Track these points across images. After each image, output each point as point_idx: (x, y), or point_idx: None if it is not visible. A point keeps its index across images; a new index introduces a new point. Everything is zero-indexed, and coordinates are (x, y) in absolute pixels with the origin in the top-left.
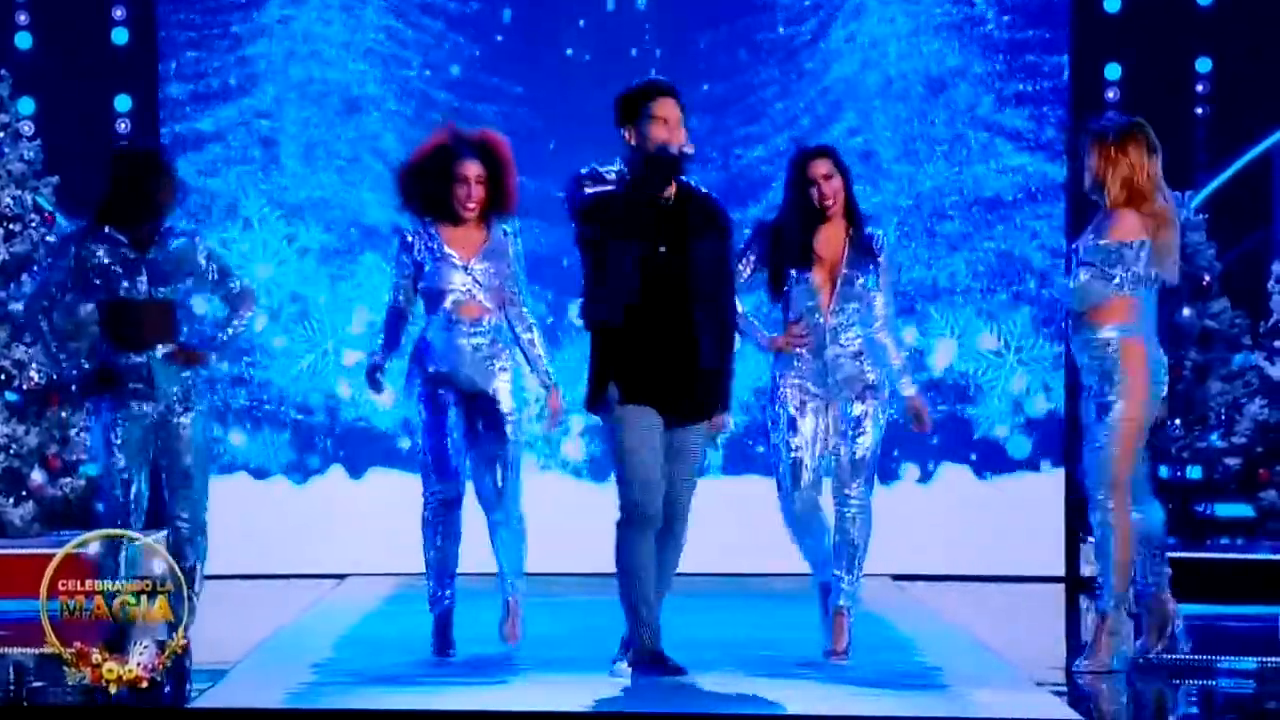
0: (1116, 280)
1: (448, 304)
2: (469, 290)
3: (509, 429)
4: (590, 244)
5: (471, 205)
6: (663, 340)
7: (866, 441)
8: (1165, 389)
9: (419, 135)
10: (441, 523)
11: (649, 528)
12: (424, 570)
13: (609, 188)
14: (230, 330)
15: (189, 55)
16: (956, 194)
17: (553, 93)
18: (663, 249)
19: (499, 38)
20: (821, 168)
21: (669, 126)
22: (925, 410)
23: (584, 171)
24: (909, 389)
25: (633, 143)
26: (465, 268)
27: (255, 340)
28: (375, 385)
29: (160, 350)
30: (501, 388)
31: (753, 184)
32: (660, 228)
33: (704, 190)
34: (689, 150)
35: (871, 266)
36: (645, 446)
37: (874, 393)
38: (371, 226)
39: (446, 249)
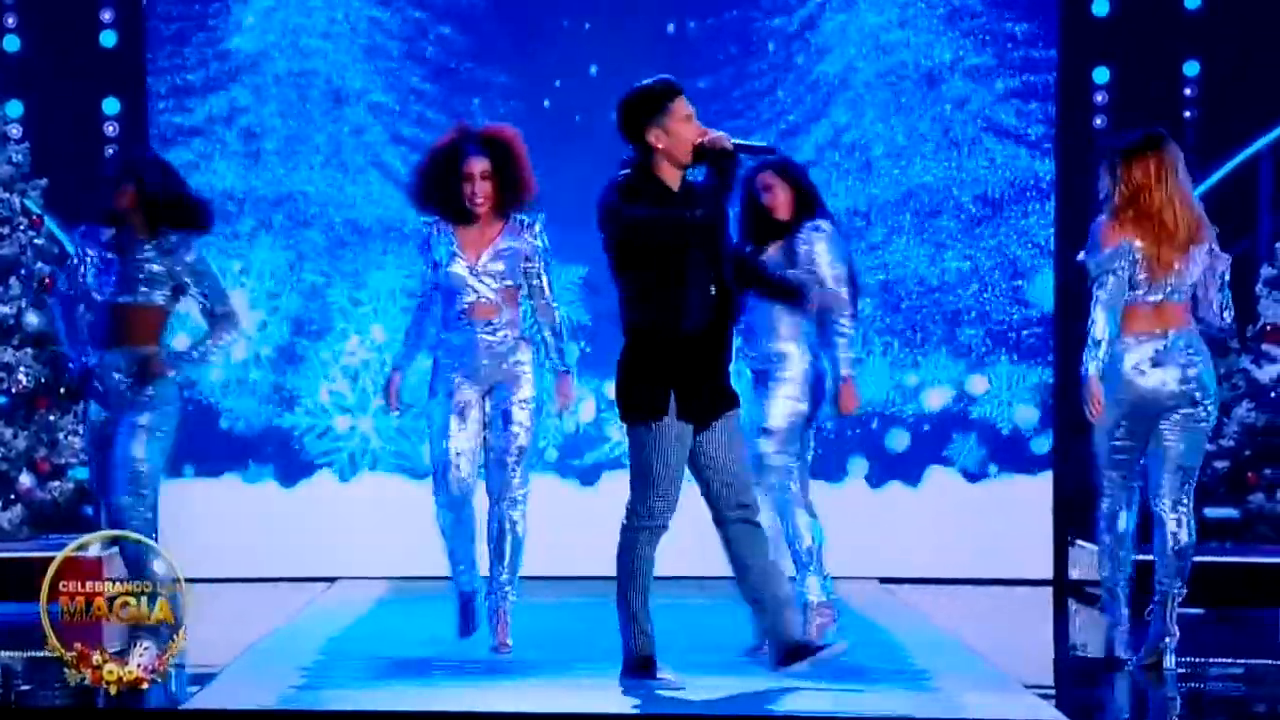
0: (1102, 293)
1: (459, 305)
2: (478, 291)
3: (526, 416)
4: (658, 257)
5: (479, 201)
6: (710, 345)
7: (767, 428)
8: (1149, 398)
9: (402, 126)
10: (454, 517)
11: (659, 536)
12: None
13: (637, 197)
14: (201, 350)
15: (171, 48)
16: (946, 189)
17: (538, 83)
18: (698, 213)
19: (485, 27)
20: (764, 179)
21: (695, 123)
22: (853, 399)
23: (623, 182)
24: (845, 369)
25: (660, 145)
26: (473, 269)
27: (243, 338)
28: (393, 397)
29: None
30: (522, 377)
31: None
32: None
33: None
34: (736, 140)
35: (788, 267)
36: (680, 462)
37: (773, 387)
38: (353, 220)
39: (456, 250)
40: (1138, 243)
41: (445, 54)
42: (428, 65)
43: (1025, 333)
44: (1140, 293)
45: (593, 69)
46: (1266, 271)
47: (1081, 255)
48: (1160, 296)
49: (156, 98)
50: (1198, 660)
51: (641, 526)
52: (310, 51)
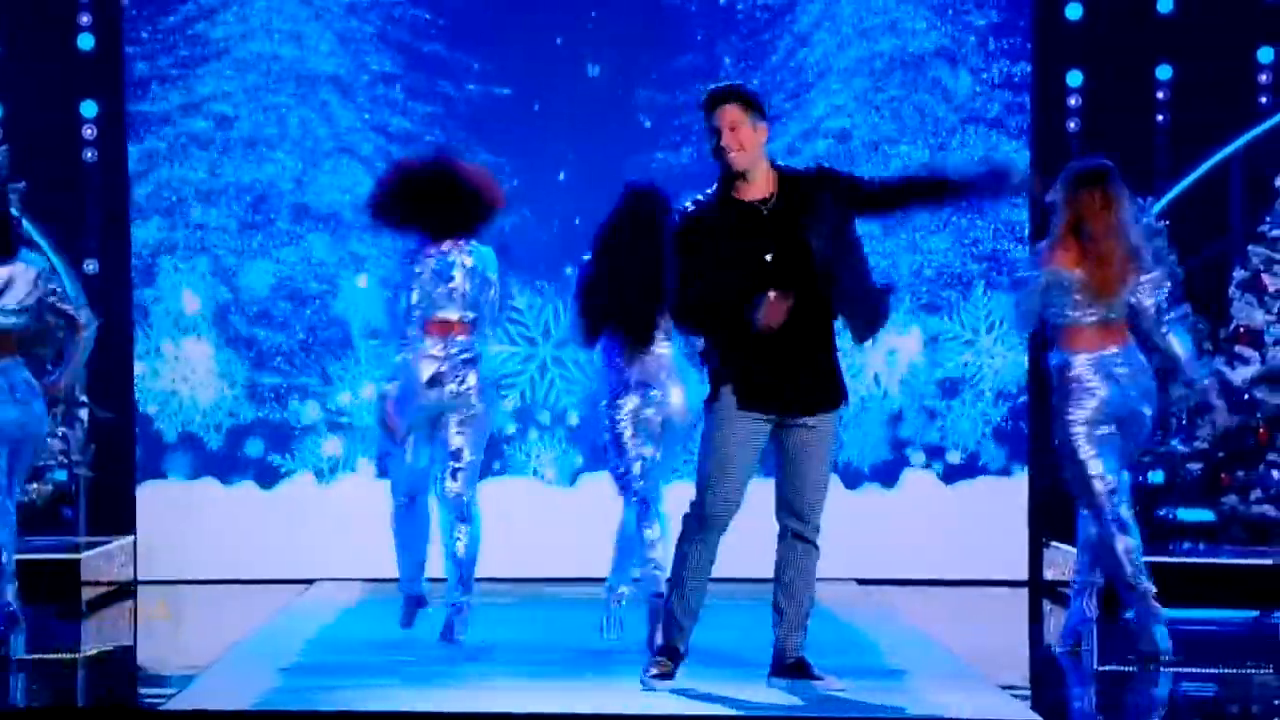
0: (1064, 307)
1: None
2: None
3: (462, 426)
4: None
5: None
6: (783, 341)
7: None
8: (1111, 409)
9: (382, 115)
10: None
11: (708, 531)
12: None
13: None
14: (65, 369)
15: (145, 34)
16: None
17: (516, 66)
18: (768, 256)
19: (462, 9)
20: None
21: (731, 134)
22: None
23: (689, 206)
24: None
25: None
26: None
27: (227, 338)
28: None
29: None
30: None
31: (717, 166)
32: (765, 232)
33: (800, 172)
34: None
35: None
36: (736, 459)
37: None
38: (328, 207)
39: None
40: (1076, 271)
41: (419, 37)
42: (402, 49)
43: (1001, 330)
44: (1079, 314)
45: (571, 49)
46: (1239, 274)
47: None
48: (1098, 316)
49: (135, 86)
50: (1172, 662)
51: (691, 514)
52: (283, 36)
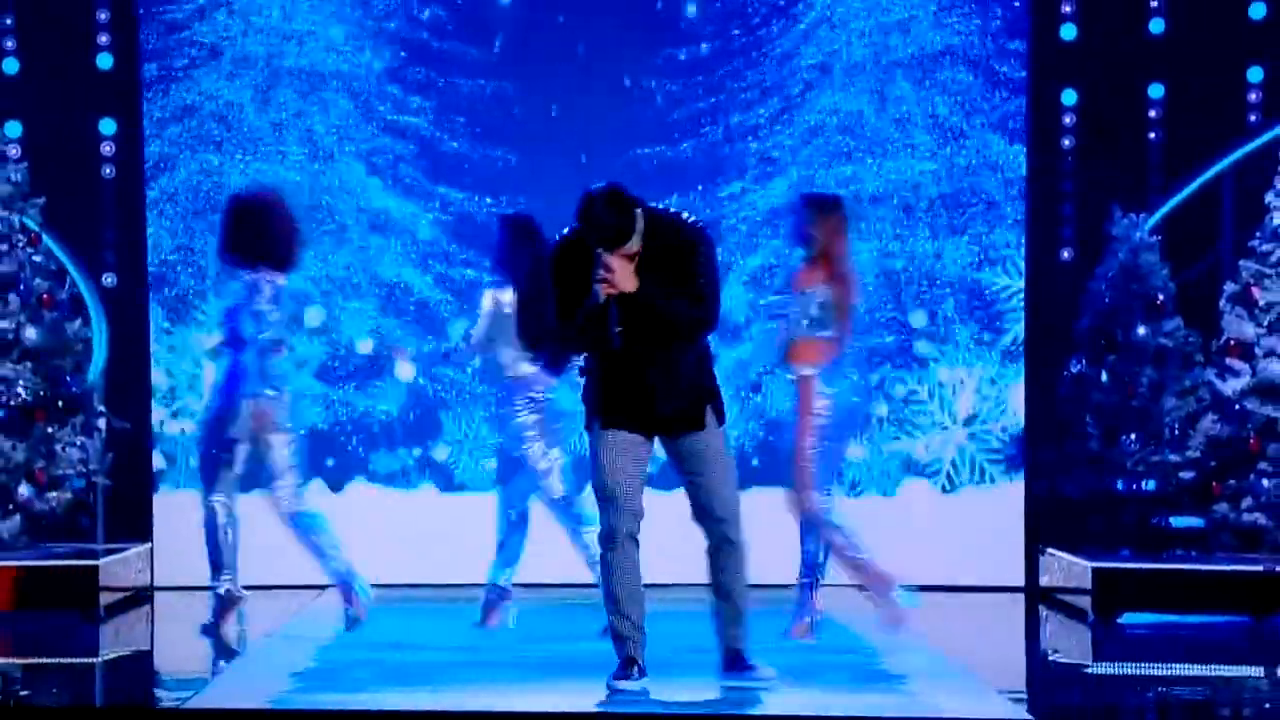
0: (804, 324)
1: None
2: None
3: None
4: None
5: None
6: (634, 367)
7: None
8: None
9: (376, 110)
10: None
11: (624, 546)
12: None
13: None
14: None
15: (155, 31)
16: (925, 183)
17: (517, 60)
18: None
19: (462, 4)
20: None
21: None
22: None
23: (568, 235)
24: None
25: None
26: None
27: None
28: None
29: None
30: None
31: (718, 161)
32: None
33: (669, 216)
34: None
35: None
36: (620, 472)
37: None
38: (331, 208)
39: None
40: (825, 289)
41: (420, 31)
42: (403, 43)
43: (995, 342)
44: (817, 331)
45: (570, 41)
46: (1229, 288)
47: (772, 297)
48: (832, 332)
49: (144, 85)
50: (1165, 666)
51: (604, 540)
52: (281, 34)
